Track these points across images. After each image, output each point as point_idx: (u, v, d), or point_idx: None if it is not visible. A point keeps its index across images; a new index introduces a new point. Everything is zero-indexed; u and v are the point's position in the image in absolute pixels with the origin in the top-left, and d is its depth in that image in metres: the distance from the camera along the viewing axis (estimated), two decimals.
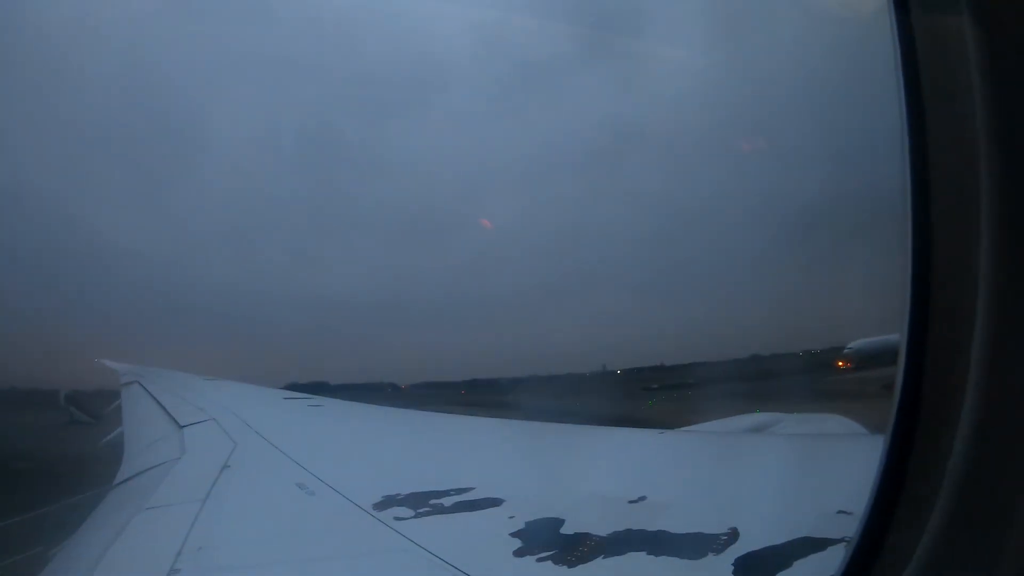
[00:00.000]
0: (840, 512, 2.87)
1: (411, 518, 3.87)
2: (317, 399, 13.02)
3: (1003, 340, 1.45)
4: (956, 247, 1.55)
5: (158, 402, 12.07)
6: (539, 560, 3.01)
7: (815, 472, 4.11)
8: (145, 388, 14.31)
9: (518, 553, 3.13)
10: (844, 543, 2.24)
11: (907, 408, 1.70)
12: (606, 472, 5.03)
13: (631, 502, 3.70)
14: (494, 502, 4.04)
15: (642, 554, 2.93)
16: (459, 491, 4.35)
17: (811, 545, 2.65)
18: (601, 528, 3.29)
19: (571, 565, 2.91)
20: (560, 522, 3.48)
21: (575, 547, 3.10)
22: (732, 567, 2.63)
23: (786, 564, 2.55)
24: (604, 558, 2.95)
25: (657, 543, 3.02)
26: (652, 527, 3.20)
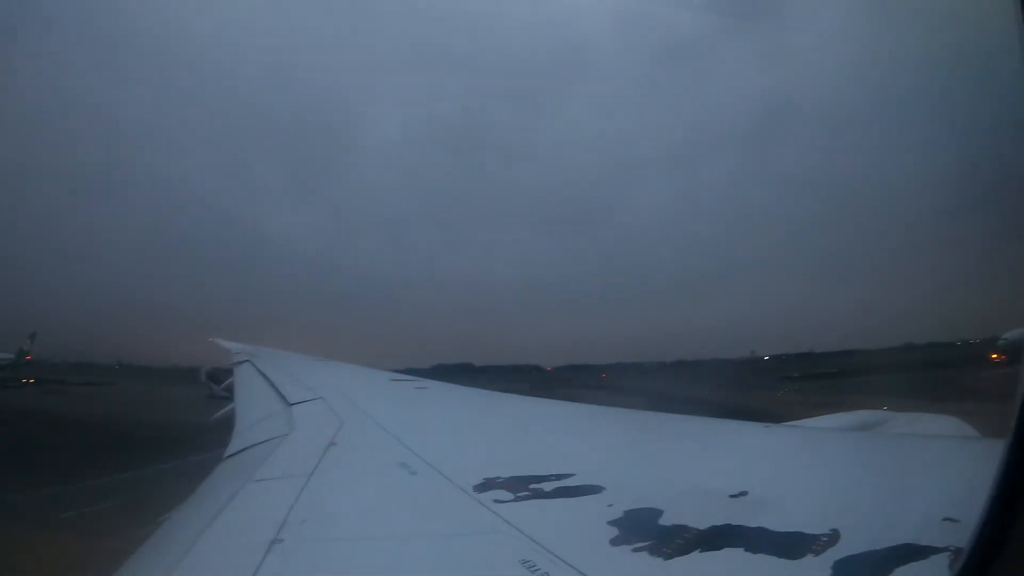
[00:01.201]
0: (946, 519, 2.73)
1: (510, 501, 3.87)
2: (423, 381, 13.22)
3: None
4: None
5: (269, 380, 12.48)
6: (635, 550, 2.96)
7: (922, 475, 3.94)
8: (256, 367, 14.80)
9: (614, 542, 3.08)
10: (948, 552, 2.13)
11: None
12: (709, 465, 4.94)
13: (732, 496, 3.61)
14: (594, 489, 4.00)
15: (739, 550, 2.85)
16: (559, 477, 4.33)
17: (913, 552, 2.52)
18: (699, 521, 3.22)
19: (667, 557, 2.86)
20: (659, 513, 3.42)
21: (672, 539, 3.04)
22: (831, 570, 2.53)
23: (886, 571, 2.44)
24: (700, 552, 2.88)
25: (755, 540, 2.93)
26: (751, 523, 3.11)
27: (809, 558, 2.66)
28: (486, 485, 4.23)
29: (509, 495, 3.98)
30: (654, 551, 2.91)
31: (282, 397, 10.22)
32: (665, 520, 3.30)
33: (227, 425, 9.30)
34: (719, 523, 3.16)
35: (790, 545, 2.81)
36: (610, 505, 3.62)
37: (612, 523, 3.31)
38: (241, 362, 16.84)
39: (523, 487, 4.14)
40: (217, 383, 21.71)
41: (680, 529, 3.14)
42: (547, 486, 4.15)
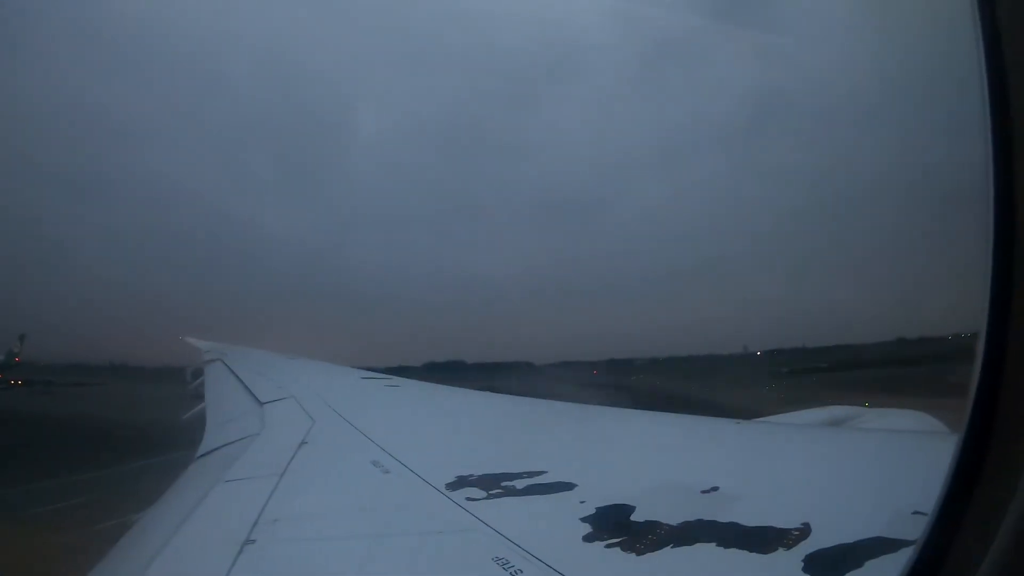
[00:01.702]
0: (916, 513, 2.77)
1: (483, 499, 3.88)
2: (394, 379, 13.21)
3: None
4: None
5: (239, 379, 12.42)
6: (608, 546, 2.98)
7: (891, 470, 3.99)
8: (227, 365, 14.73)
9: (587, 538, 3.10)
10: (913, 546, 2.18)
11: (984, 405, 1.64)
12: (680, 461, 4.97)
13: (703, 492, 3.64)
14: (566, 486, 4.02)
15: (711, 545, 2.88)
16: (531, 474, 4.35)
17: (883, 545, 2.56)
18: (672, 517, 3.25)
19: (639, 553, 2.88)
20: (631, 509, 3.45)
21: (644, 535, 3.06)
22: (802, 563, 2.57)
23: (857, 563, 2.47)
24: (673, 547, 2.91)
25: (727, 535, 2.96)
26: (723, 518, 3.14)
27: (781, 552, 2.68)
28: (458, 483, 4.24)
29: (482, 493, 4.00)
30: (627, 547, 2.93)
31: (253, 396, 10.19)
32: (637, 516, 3.32)
33: (203, 424, 9.25)
34: (691, 519, 3.19)
35: (762, 539, 2.84)
36: (582, 502, 3.64)
37: (584, 520, 3.33)
38: (212, 361, 16.76)
39: (495, 485, 4.15)
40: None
41: (652, 525, 3.16)
42: (519, 484, 4.16)
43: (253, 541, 3.31)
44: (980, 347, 1.60)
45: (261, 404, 9.15)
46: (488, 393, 11.10)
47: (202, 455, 6.71)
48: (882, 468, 4.07)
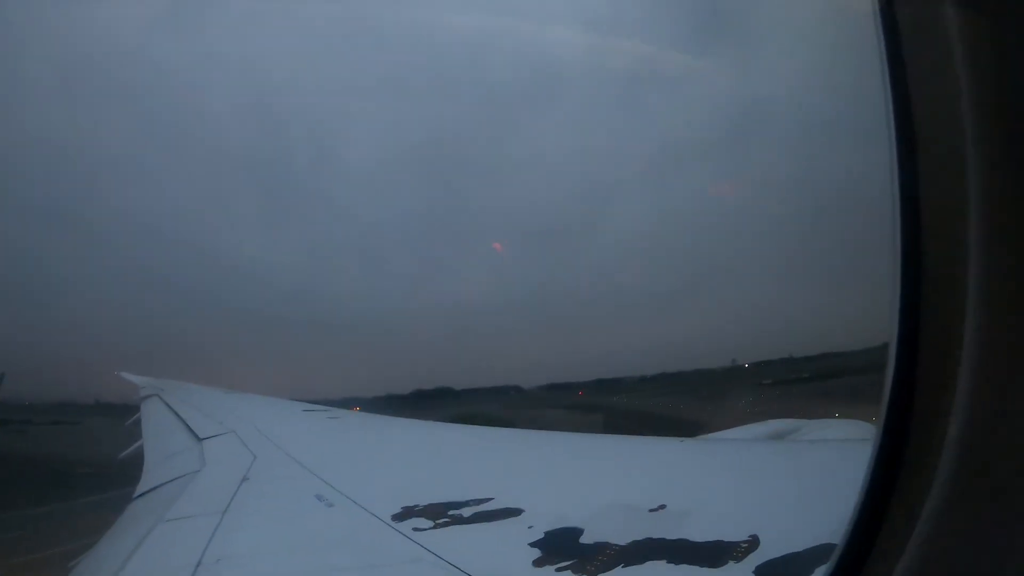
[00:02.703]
0: None
1: (429, 528, 3.86)
2: (336, 411, 13.06)
3: (993, 336, 1.45)
4: (945, 241, 1.55)
5: (177, 415, 12.16)
6: (558, 570, 2.99)
7: (833, 478, 4.08)
8: (164, 401, 14.41)
9: (537, 563, 3.11)
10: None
11: (899, 405, 1.69)
12: (626, 481, 5.01)
13: (651, 511, 3.67)
14: (513, 512, 4.02)
15: (662, 562, 2.91)
16: (478, 501, 4.34)
17: (831, 551, 2.62)
18: (621, 537, 3.27)
19: (591, 574, 2.90)
20: (579, 531, 3.46)
21: (594, 556, 3.08)
22: (753, 574, 2.61)
23: (807, 571, 2.52)
24: (624, 567, 2.93)
25: (677, 551, 2.99)
26: (672, 535, 3.18)
27: (731, 565, 2.72)
28: (405, 514, 4.22)
29: (428, 522, 3.98)
30: (577, 569, 2.95)
31: (192, 432, 9.96)
32: (586, 538, 3.34)
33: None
34: (640, 538, 3.21)
35: (711, 554, 2.87)
36: (530, 527, 3.64)
37: (533, 544, 3.34)
38: (148, 396, 16.35)
39: (442, 514, 4.13)
40: None
41: (602, 546, 3.18)
42: (466, 511, 4.15)
43: None
44: (892, 349, 1.66)
45: (200, 440, 8.95)
46: (433, 423, 11.06)
47: (141, 494, 6.54)
48: (824, 477, 4.14)
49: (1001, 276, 1.44)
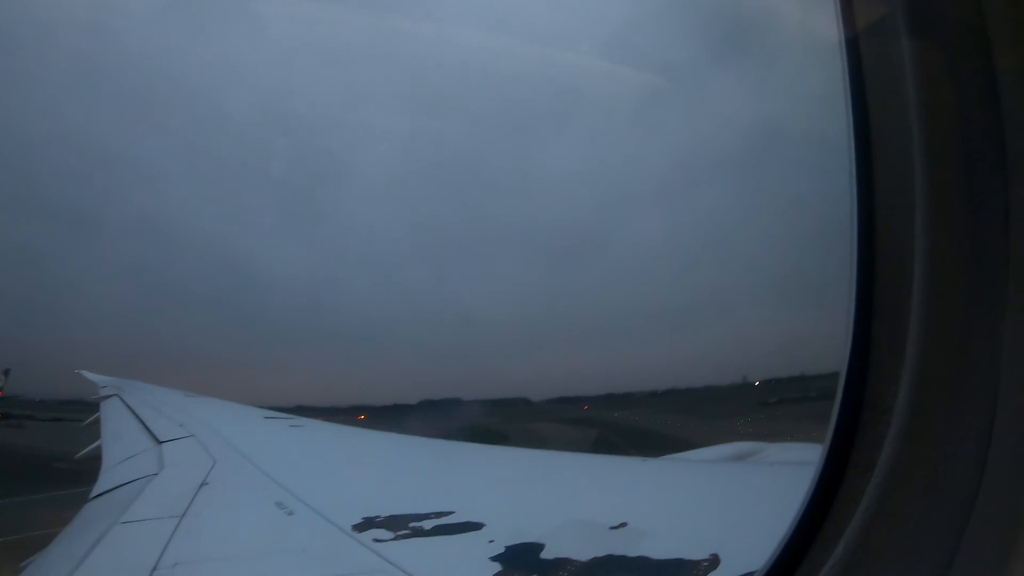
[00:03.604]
0: None
1: (390, 540, 3.86)
2: (298, 419, 12.96)
3: (935, 338, 1.51)
4: (896, 247, 1.61)
5: (137, 416, 12.00)
6: None
7: (793, 500, 4.12)
8: (124, 402, 14.22)
9: None
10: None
11: (848, 409, 1.74)
12: (588, 499, 5.03)
13: (612, 528, 3.69)
14: (474, 526, 4.03)
15: None
16: (439, 514, 4.34)
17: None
18: (581, 553, 3.29)
19: None
20: (540, 547, 3.48)
21: (555, 572, 3.10)
22: None
23: None
24: None
25: (637, 569, 3.02)
26: (632, 553, 3.20)
27: None
28: (365, 524, 4.20)
29: (389, 534, 3.97)
30: None
31: (151, 434, 9.84)
32: (547, 554, 3.35)
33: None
34: (600, 554, 3.23)
35: (672, 572, 2.90)
36: (491, 541, 3.65)
37: (494, 559, 3.35)
38: (108, 396, 16.12)
39: (403, 525, 4.13)
40: None
41: (562, 562, 3.19)
42: (427, 524, 4.15)
43: None
44: (846, 353, 1.71)
45: (159, 443, 8.84)
46: (396, 435, 11.02)
47: (97, 495, 6.44)
48: (784, 499, 4.17)
49: (940, 282, 1.50)
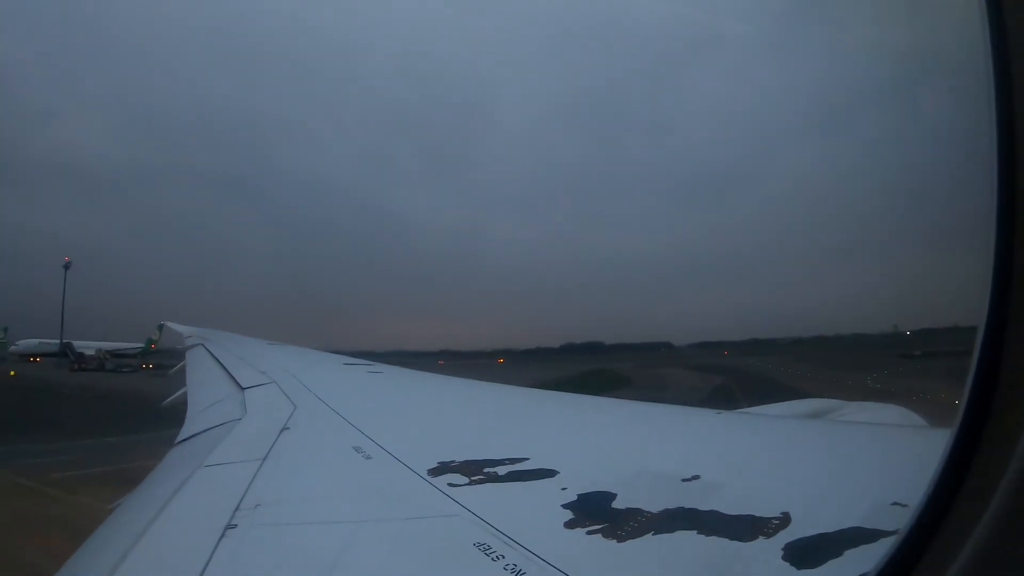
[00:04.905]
0: (895, 504, 2.78)
1: (464, 485, 3.88)
2: (377, 365, 13.16)
3: None
4: None
5: (221, 364, 12.35)
6: (589, 532, 2.99)
7: (871, 462, 4.01)
8: (208, 350, 14.64)
9: (568, 525, 3.11)
10: (896, 535, 2.19)
11: (979, 400, 1.64)
12: (663, 450, 4.99)
13: (684, 480, 3.65)
14: (548, 473, 4.02)
15: (692, 533, 2.88)
16: (514, 461, 4.35)
17: (863, 536, 2.57)
18: (653, 505, 3.25)
19: (620, 540, 2.88)
20: (612, 496, 3.45)
21: (625, 522, 3.07)
22: (782, 551, 2.58)
23: (836, 552, 2.48)
24: (654, 535, 2.91)
25: (708, 523, 2.97)
26: (704, 506, 3.15)
27: (761, 540, 2.70)
28: (441, 469, 4.24)
29: (464, 479, 4.00)
30: (607, 534, 2.94)
31: (234, 381, 10.13)
32: (618, 504, 3.33)
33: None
34: (672, 506, 3.19)
35: (742, 528, 2.85)
36: (564, 489, 3.64)
37: (566, 506, 3.34)
38: (193, 346, 16.65)
39: (478, 471, 4.15)
40: None
41: (634, 512, 3.17)
42: (501, 470, 4.17)
43: (234, 526, 3.30)
44: (978, 340, 1.60)
45: (242, 389, 9.10)
46: (470, 380, 11.11)
47: (182, 440, 6.67)
48: (862, 460, 4.09)
49: None
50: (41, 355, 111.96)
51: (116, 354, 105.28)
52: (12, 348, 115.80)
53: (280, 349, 16.96)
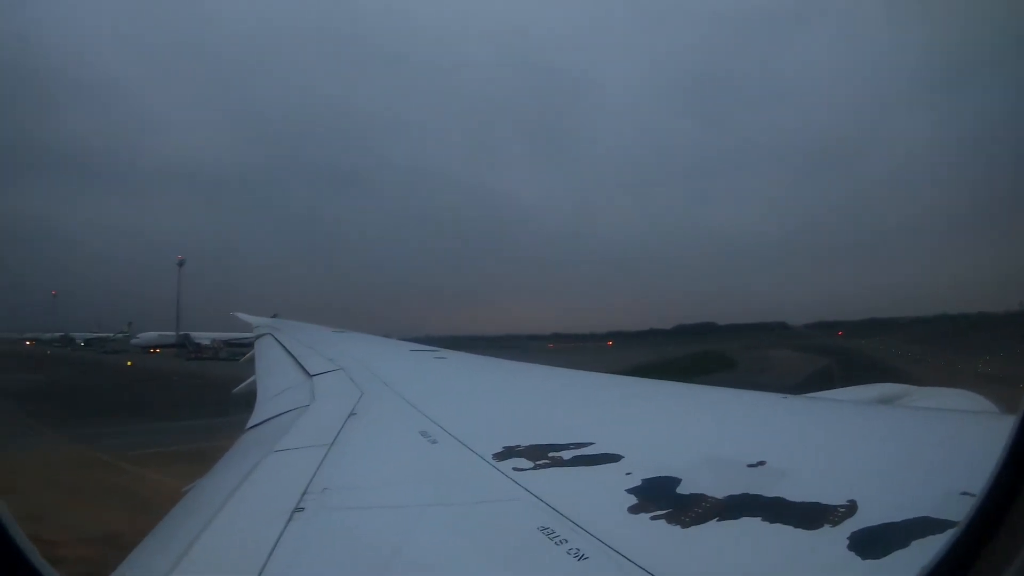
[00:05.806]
0: (964, 494, 2.70)
1: (529, 469, 3.88)
2: (443, 351, 13.27)
3: None
4: None
5: (289, 352, 12.57)
6: (653, 518, 2.97)
7: (941, 449, 3.90)
8: (276, 339, 14.92)
9: (632, 510, 3.09)
10: (957, 526, 2.13)
11: None
12: (727, 435, 4.93)
13: (750, 466, 3.60)
14: (612, 458, 4.00)
15: (757, 520, 2.84)
16: (578, 445, 4.34)
17: (930, 526, 2.50)
18: (717, 491, 3.21)
19: (684, 526, 2.86)
20: (677, 481, 3.42)
21: (690, 507, 3.04)
22: (848, 540, 2.52)
23: (903, 543, 2.42)
24: (718, 521, 2.88)
25: (773, 510, 2.92)
26: (769, 493, 3.10)
27: (827, 528, 2.65)
28: (506, 453, 4.25)
29: (528, 463, 4.00)
30: (672, 519, 2.92)
31: (302, 368, 10.32)
32: (683, 489, 3.30)
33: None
34: (737, 492, 3.15)
35: (807, 515, 2.80)
36: (628, 473, 3.62)
37: (630, 491, 3.32)
38: (262, 335, 17.00)
39: (542, 455, 4.15)
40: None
41: (698, 498, 3.14)
42: (566, 454, 4.16)
43: (302, 509, 3.35)
44: None
45: (310, 376, 9.25)
46: (534, 365, 11.13)
47: (252, 426, 6.81)
48: (931, 447, 3.99)
49: None
50: (160, 346, 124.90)
51: (230, 343, 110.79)
52: (133, 341, 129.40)
53: (347, 336, 17.22)
